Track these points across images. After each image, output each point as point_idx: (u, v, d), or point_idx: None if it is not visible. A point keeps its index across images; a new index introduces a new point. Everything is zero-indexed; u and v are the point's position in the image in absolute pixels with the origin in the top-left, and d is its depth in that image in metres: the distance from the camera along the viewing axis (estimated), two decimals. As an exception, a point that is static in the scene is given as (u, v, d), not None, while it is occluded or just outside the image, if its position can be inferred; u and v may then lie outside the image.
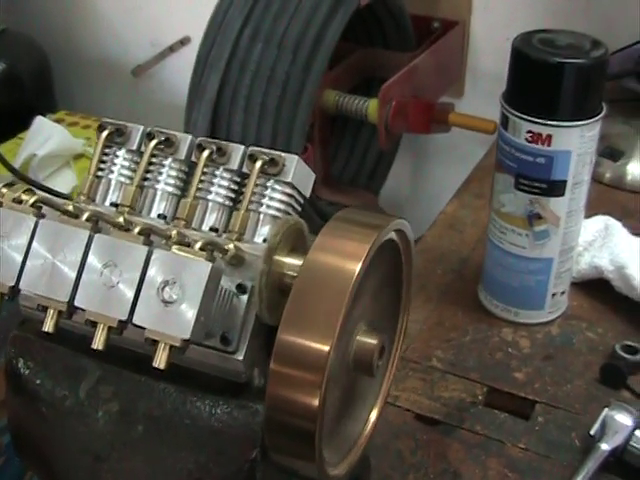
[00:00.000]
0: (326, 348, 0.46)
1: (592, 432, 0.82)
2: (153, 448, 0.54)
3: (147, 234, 0.49)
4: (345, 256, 0.48)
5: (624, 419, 0.81)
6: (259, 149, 0.55)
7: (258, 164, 0.54)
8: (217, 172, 0.56)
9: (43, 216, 0.52)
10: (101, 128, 0.58)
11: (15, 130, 1.59)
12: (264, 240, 0.54)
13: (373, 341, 0.53)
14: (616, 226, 1.06)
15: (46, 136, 1.50)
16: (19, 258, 0.50)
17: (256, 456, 0.51)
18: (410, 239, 0.56)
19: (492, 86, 1.50)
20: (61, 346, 0.57)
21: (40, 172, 1.47)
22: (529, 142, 0.89)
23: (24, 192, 0.57)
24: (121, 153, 0.59)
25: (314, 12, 1.28)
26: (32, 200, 0.52)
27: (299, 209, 0.56)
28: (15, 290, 0.50)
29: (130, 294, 0.48)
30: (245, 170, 0.56)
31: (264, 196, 0.55)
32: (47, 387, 0.57)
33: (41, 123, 1.53)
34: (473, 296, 1.04)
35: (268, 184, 0.55)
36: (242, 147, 0.56)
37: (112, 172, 0.59)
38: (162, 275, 0.47)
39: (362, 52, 1.47)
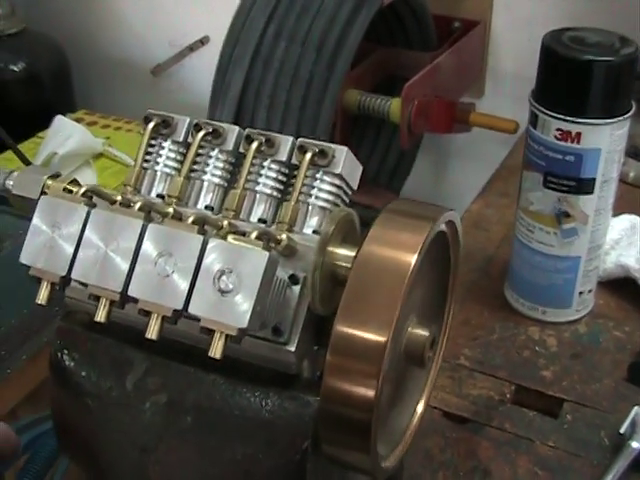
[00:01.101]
0: (383, 340, 0.46)
1: (622, 430, 0.82)
2: (201, 439, 0.53)
3: (201, 224, 0.48)
4: (400, 248, 0.48)
5: (654, 417, 0.81)
6: (309, 140, 0.55)
7: (308, 155, 0.54)
8: (265, 163, 0.56)
9: (94, 206, 0.51)
10: (147, 120, 0.58)
11: (35, 129, 1.59)
12: (314, 231, 0.54)
13: (425, 333, 0.52)
14: (642, 225, 1.06)
15: (66, 135, 1.50)
16: (71, 248, 0.50)
17: (307, 448, 0.51)
18: (459, 230, 0.56)
19: (513, 86, 1.51)
20: (107, 338, 0.57)
21: (61, 170, 1.47)
22: (558, 140, 0.89)
23: (69, 183, 0.57)
24: (167, 144, 0.58)
25: (337, 11, 1.28)
26: (82, 190, 0.52)
27: (347, 201, 0.56)
28: (66, 280, 0.50)
29: (185, 283, 0.47)
30: (294, 161, 0.55)
31: (313, 187, 0.55)
32: (93, 379, 0.56)
33: (61, 122, 1.53)
34: (499, 294, 1.04)
35: (317, 175, 0.55)
36: (291, 138, 0.56)
37: (158, 163, 0.58)
38: (218, 264, 0.47)
39: (384, 51, 1.48)
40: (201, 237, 0.48)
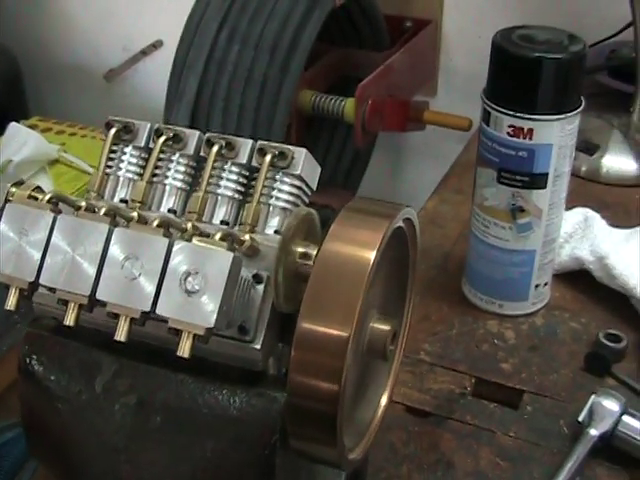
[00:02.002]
0: (346, 334, 0.48)
1: (580, 419, 0.84)
2: (171, 438, 0.55)
3: (166, 226, 0.50)
4: (360, 245, 0.49)
5: (611, 405, 0.83)
6: (268, 143, 0.56)
7: (268, 157, 0.55)
8: (226, 166, 0.57)
9: (60, 212, 0.52)
10: (108, 126, 0.59)
11: (-12, 136, 1.57)
12: (275, 231, 0.55)
13: (386, 327, 0.54)
14: (595, 218, 1.08)
15: (21, 142, 1.49)
16: (38, 254, 0.51)
17: (275, 442, 0.52)
18: (416, 226, 0.57)
19: (465, 84, 1.53)
20: (75, 341, 0.57)
21: (16, 177, 1.46)
22: (511, 136, 0.91)
23: (33, 190, 0.57)
24: (129, 150, 0.60)
25: (290, 13, 1.29)
26: (48, 196, 0.53)
27: (307, 201, 0.57)
28: (35, 286, 0.51)
29: (152, 285, 0.48)
30: (254, 164, 0.57)
31: (273, 188, 0.56)
32: (62, 383, 0.57)
33: (15, 129, 1.52)
34: (457, 290, 1.05)
35: (277, 177, 0.56)
36: (250, 141, 0.57)
37: (120, 169, 0.59)
38: (184, 266, 0.48)
39: (337, 52, 1.49)
40: (166, 240, 0.49)
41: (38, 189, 0.58)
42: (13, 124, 1.53)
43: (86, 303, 0.50)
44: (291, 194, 0.56)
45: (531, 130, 0.90)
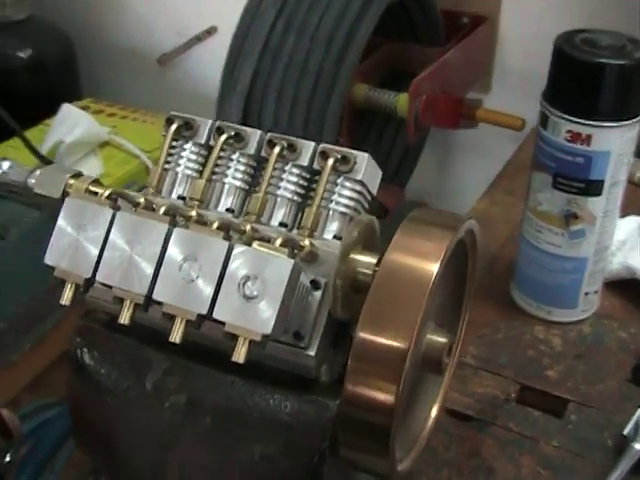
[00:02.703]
0: (405, 347, 0.47)
1: (625, 432, 0.82)
2: (220, 440, 0.54)
3: (226, 229, 0.49)
4: (423, 256, 0.49)
5: (658, 420, 0.82)
6: (331, 146, 0.55)
7: (330, 161, 0.55)
8: (287, 168, 0.57)
9: (119, 208, 0.52)
10: (169, 121, 0.59)
11: (40, 116, 1.58)
12: (334, 236, 0.55)
13: (443, 340, 0.53)
14: (649, 226, 1.07)
15: (73, 123, 1.49)
16: (96, 250, 0.51)
17: (324, 450, 0.52)
18: (477, 239, 0.56)
19: (520, 82, 1.51)
20: (127, 337, 0.57)
21: (66, 159, 1.47)
22: (568, 141, 0.89)
23: (92, 183, 0.57)
24: (189, 146, 0.59)
25: (348, 5, 1.28)
26: (107, 192, 0.52)
27: (367, 206, 0.56)
28: (91, 282, 0.51)
29: (210, 288, 0.48)
30: (315, 166, 0.56)
31: (334, 193, 0.55)
32: (112, 378, 0.57)
33: (68, 110, 1.53)
34: (504, 293, 1.04)
35: (338, 181, 0.56)
36: (313, 144, 0.56)
37: (179, 165, 0.59)
38: (243, 270, 0.48)
39: (391, 46, 1.47)
40: (226, 243, 0.48)
41: (96, 182, 0.57)
42: (65, 105, 1.54)
43: (142, 302, 0.49)
44: (351, 199, 0.55)
45: (589, 136, 0.88)
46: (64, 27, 1.83)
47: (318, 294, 0.51)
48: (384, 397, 0.47)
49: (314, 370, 0.52)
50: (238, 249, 0.48)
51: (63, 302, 0.51)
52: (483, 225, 1.16)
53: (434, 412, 0.59)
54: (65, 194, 0.57)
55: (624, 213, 1.04)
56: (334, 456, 0.53)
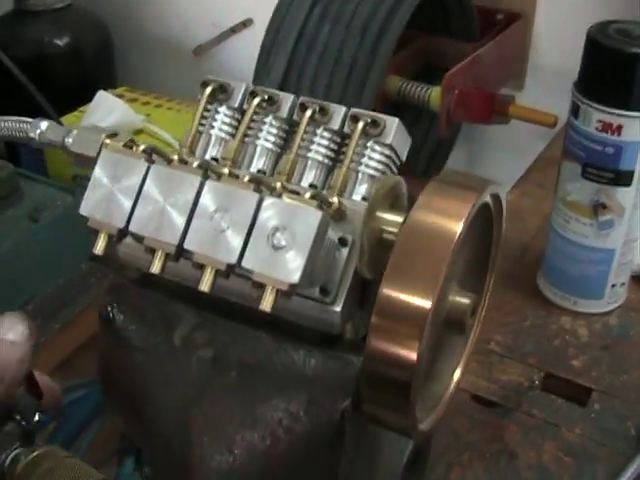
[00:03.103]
0: (428, 305, 0.47)
1: (649, 422, 0.82)
2: (245, 394, 0.55)
3: (257, 183, 0.50)
4: (448, 215, 0.49)
5: (681, 411, 0.82)
6: (362, 110, 0.56)
7: (360, 124, 0.55)
8: (318, 131, 0.58)
9: (153, 162, 0.53)
10: (204, 84, 0.60)
11: (77, 103, 1.61)
12: (363, 198, 0.55)
13: (466, 301, 0.54)
14: (678, 219, 1.06)
15: (108, 110, 1.52)
16: (129, 201, 0.52)
17: (347, 407, 0.53)
18: (503, 203, 0.57)
19: (553, 80, 1.52)
20: (157, 293, 0.58)
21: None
22: (599, 131, 0.90)
23: (127, 143, 0.58)
24: (223, 109, 0.60)
25: (383, -4, 1.29)
26: (142, 147, 0.54)
27: (395, 171, 0.57)
28: (124, 233, 0.52)
29: (240, 239, 0.49)
30: (346, 130, 0.57)
31: (364, 156, 0.56)
32: (142, 333, 0.58)
33: (103, 97, 1.55)
34: (532, 283, 1.05)
35: (368, 144, 0.56)
36: (344, 108, 0.57)
37: (213, 127, 0.60)
38: (273, 221, 0.48)
39: (425, 40, 1.49)
40: (257, 195, 0.49)
41: (132, 141, 0.59)
42: (101, 92, 1.56)
43: (173, 252, 0.50)
44: (380, 162, 0.56)
45: (620, 126, 0.89)
46: (102, 16, 1.86)
47: (345, 251, 0.52)
48: (405, 354, 0.48)
49: (339, 326, 0.53)
50: (268, 200, 0.49)
51: (96, 252, 0.52)
52: (514, 216, 1.18)
53: (457, 375, 0.60)
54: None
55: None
56: (357, 414, 0.53)
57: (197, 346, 0.56)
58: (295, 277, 0.48)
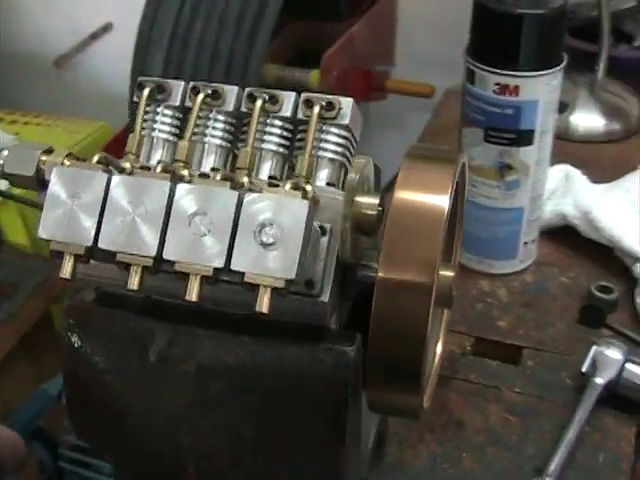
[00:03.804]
0: (430, 282, 0.47)
1: (584, 369, 0.85)
2: (236, 402, 0.53)
3: (231, 180, 0.48)
4: (432, 191, 0.48)
5: (614, 354, 0.84)
6: (314, 94, 0.55)
7: (316, 109, 0.54)
8: (268, 120, 0.55)
9: (110, 172, 0.50)
10: (141, 86, 0.57)
11: (-62, 129, 1.52)
12: (327, 183, 0.54)
13: (451, 274, 0.53)
14: (575, 173, 1.10)
15: (-24, 132, 1.44)
16: (94, 217, 0.48)
17: (347, 398, 0.51)
18: (466, 174, 0.57)
19: (423, 52, 1.53)
20: (123, 311, 0.55)
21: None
22: (497, 94, 0.91)
23: (66, 157, 0.55)
24: (163, 110, 0.57)
25: (253, -15, 1.27)
26: (97, 157, 0.50)
27: (353, 152, 0.56)
28: (92, 250, 0.48)
29: (224, 241, 0.46)
30: (300, 116, 0.55)
31: (321, 140, 0.55)
32: (111, 355, 0.55)
33: (-30, 120, 1.48)
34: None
35: (324, 128, 0.55)
36: (294, 94, 0.56)
37: (154, 130, 0.57)
38: (258, 218, 0.46)
39: (296, 25, 1.47)
40: (236, 192, 0.47)
41: (70, 156, 0.55)
42: (-32, 115, 1.48)
43: (151, 265, 0.47)
44: (339, 145, 0.55)
45: (517, 87, 0.90)
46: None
47: (325, 240, 0.51)
48: (415, 332, 0.47)
49: (328, 318, 0.51)
50: (249, 197, 0.47)
51: (64, 275, 0.48)
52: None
53: (439, 349, 0.59)
54: (39, 171, 0.55)
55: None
56: (354, 406, 0.52)
57: (177, 361, 0.53)
58: (292, 272, 0.46)
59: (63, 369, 0.56)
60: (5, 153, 0.56)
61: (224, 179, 0.47)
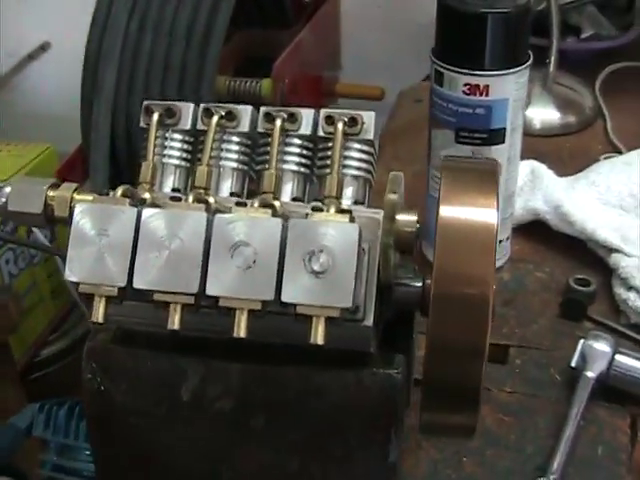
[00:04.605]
0: (488, 296, 0.45)
1: (573, 364, 0.84)
2: (279, 437, 0.50)
3: (270, 206, 0.45)
4: (479, 205, 0.47)
5: (602, 346, 0.84)
6: (333, 110, 0.53)
7: (340, 125, 0.51)
8: (287, 140, 0.53)
9: (137, 205, 0.47)
10: (149, 111, 0.54)
11: None
12: (355, 202, 0.52)
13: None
14: (542, 168, 1.09)
15: None
16: (126, 255, 0.45)
17: (397, 421, 0.49)
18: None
19: (369, 54, 1.52)
20: (147, 350, 0.52)
21: None
22: (467, 94, 0.90)
23: (74, 191, 0.52)
24: (171, 135, 0.54)
25: (200, -4, 1.24)
26: (121, 190, 0.47)
27: (375, 166, 0.54)
28: (126, 291, 0.45)
29: (272, 271, 0.44)
30: (321, 133, 0.53)
31: (345, 157, 0.52)
32: (139, 396, 0.52)
33: None
34: (419, 255, 1.04)
35: (347, 144, 0.53)
36: (312, 111, 0.53)
37: (164, 156, 0.54)
38: (306, 245, 0.44)
39: (243, 34, 1.44)
40: (279, 220, 0.44)
41: (79, 189, 0.52)
42: None
43: (193, 302, 0.45)
44: (364, 161, 0.53)
45: (487, 86, 0.89)
46: None
47: (365, 260, 0.48)
48: (475, 349, 0.46)
49: (372, 342, 0.49)
50: (293, 223, 0.44)
51: (96, 319, 0.45)
52: (379, 195, 1.17)
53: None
54: (47, 207, 0.52)
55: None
56: (401, 429, 0.50)
57: (212, 399, 0.50)
58: (348, 300, 0.43)
59: (87, 414, 0.53)
60: (7, 190, 0.52)
61: (263, 206, 0.45)
